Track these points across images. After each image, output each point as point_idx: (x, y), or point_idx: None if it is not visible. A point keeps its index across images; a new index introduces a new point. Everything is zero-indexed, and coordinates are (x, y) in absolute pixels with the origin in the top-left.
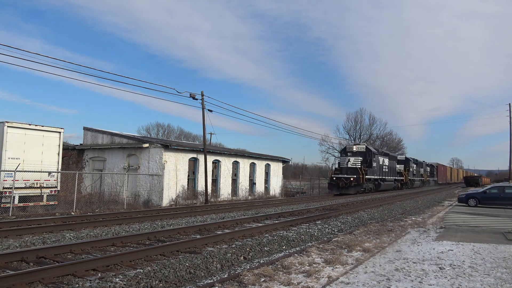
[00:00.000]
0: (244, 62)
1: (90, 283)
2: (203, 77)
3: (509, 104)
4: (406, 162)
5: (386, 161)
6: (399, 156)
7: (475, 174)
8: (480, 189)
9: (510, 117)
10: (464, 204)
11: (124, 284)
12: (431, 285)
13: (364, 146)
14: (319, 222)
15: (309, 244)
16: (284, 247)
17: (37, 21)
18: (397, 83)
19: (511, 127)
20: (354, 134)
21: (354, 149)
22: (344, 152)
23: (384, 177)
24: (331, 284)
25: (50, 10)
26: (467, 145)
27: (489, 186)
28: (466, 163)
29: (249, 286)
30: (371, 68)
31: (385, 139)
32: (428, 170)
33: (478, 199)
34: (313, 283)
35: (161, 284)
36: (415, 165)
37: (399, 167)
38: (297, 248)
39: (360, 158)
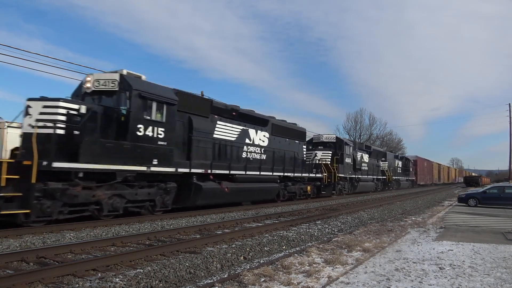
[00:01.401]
0: (244, 62)
1: (90, 283)
2: (203, 77)
3: (509, 104)
4: (338, 146)
5: (283, 142)
6: (325, 136)
7: (473, 174)
8: (480, 189)
9: (510, 117)
10: (464, 204)
11: (124, 284)
12: (431, 285)
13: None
14: (319, 222)
15: (309, 244)
16: (284, 247)
17: (39, 22)
18: (398, 83)
19: (511, 127)
20: (354, 134)
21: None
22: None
23: (237, 172)
24: (331, 284)
25: (52, 11)
26: (467, 145)
27: (489, 186)
28: (466, 163)
29: (249, 286)
30: (371, 68)
31: (385, 139)
32: (399, 165)
33: (478, 199)
34: (313, 283)
35: (161, 284)
36: (365, 155)
37: (323, 155)
38: (297, 248)
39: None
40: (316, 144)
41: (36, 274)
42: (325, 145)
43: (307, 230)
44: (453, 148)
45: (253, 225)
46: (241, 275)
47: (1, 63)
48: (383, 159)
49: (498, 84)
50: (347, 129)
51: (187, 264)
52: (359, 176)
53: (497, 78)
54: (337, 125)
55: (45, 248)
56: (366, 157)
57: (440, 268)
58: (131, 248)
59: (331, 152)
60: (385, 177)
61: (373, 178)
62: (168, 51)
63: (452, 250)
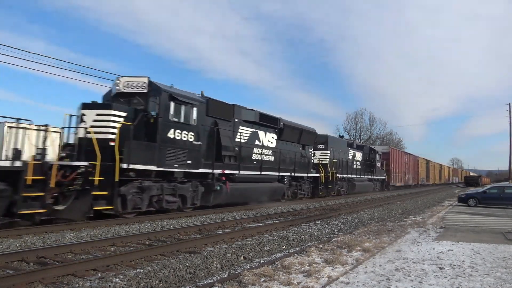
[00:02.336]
0: (246, 63)
1: (90, 283)
2: (205, 78)
3: (509, 104)
4: (152, 101)
5: None
6: (124, 81)
7: (471, 173)
8: (480, 189)
9: (510, 117)
10: (464, 204)
11: (124, 284)
12: (431, 285)
13: None
14: (319, 222)
15: (309, 244)
16: (284, 247)
17: (42, 22)
18: (398, 83)
19: (511, 127)
20: (354, 134)
21: None
22: None
23: None
24: (331, 284)
25: (54, 12)
26: (467, 145)
27: (489, 186)
28: (466, 163)
29: (249, 286)
30: (372, 68)
31: (385, 139)
32: (357, 158)
33: (478, 199)
34: (313, 283)
35: (161, 284)
36: (266, 134)
37: (94, 121)
38: (297, 248)
39: None
40: (113, 98)
41: (36, 274)
42: (130, 101)
43: (307, 230)
44: (453, 148)
45: (253, 225)
46: (241, 275)
47: (2, 63)
48: (322, 146)
49: (498, 84)
50: (347, 129)
51: (187, 264)
52: (233, 172)
53: (497, 78)
54: (337, 125)
55: (45, 248)
56: (268, 138)
57: (440, 268)
58: (131, 248)
59: (123, 114)
60: (317, 175)
61: (283, 177)
62: (170, 52)
63: (452, 250)
